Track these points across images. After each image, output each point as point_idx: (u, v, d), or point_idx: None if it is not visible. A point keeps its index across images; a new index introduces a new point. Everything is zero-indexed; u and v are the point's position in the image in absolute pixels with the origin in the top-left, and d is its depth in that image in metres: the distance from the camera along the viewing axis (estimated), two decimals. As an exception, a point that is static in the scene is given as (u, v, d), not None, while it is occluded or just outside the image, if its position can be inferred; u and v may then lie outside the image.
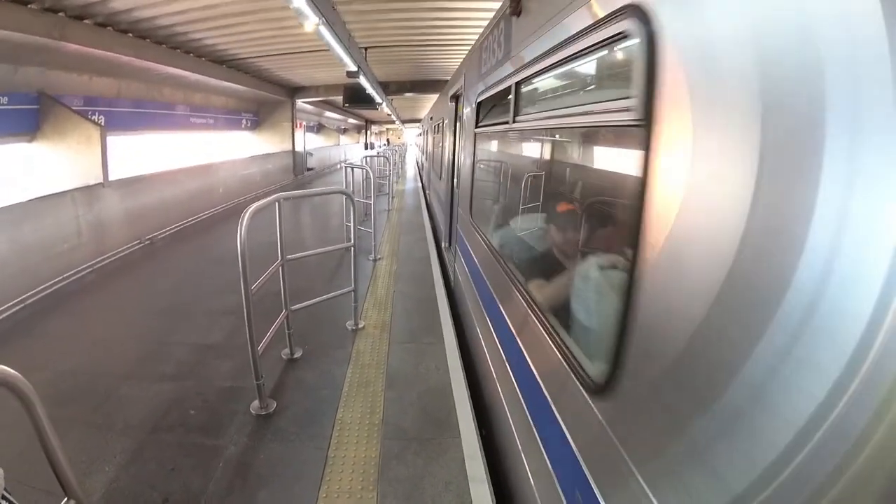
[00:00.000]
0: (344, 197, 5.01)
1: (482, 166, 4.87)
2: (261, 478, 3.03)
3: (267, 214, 3.93)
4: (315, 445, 3.29)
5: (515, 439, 2.66)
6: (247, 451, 3.26)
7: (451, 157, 7.68)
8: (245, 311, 3.38)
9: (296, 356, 4.52)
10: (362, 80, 10.92)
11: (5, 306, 5.80)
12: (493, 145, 4.67)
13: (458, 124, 6.74)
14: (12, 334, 5.33)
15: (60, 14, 7.30)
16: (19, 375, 1.40)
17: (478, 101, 4.57)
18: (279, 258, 4.13)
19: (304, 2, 5.22)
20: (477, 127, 4.67)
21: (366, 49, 11.42)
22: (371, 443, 3.31)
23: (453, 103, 7.08)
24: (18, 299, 5.97)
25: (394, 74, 16.10)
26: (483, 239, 4.29)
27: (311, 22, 5.92)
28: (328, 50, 8.02)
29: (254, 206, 3.42)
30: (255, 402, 3.70)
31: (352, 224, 4.86)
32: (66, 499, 1.61)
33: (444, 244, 8.20)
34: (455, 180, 7.07)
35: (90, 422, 3.63)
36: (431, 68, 14.92)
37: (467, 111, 5.32)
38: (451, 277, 6.68)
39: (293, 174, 20.11)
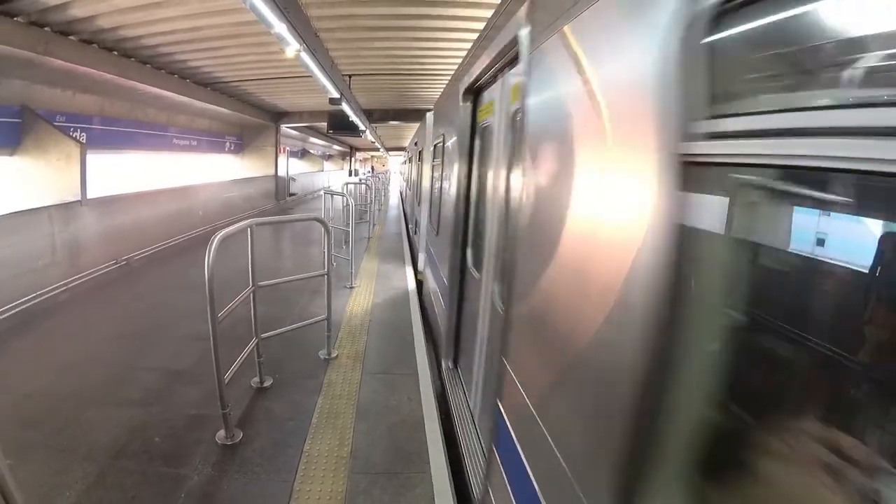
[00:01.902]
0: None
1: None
2: (223, 511, 2.97)
3: (244, 240, 3.93)
4: (280, 478, 3.23)
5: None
6: (210, 482, 3.19)
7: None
8: (212, 338, 3.34)
9: (265, 385, 4.46)
10: (345, 107, 10.98)
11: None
12: None
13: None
14: (-20, 353, 5.20)
15: (46, 29, 7.29)
16: None
17: None
18: (250, 284, 4.10)
19: (285, 28, 5.27)
20: None
21: (349, 76, 11.48)
22: (338, 477, 3.26)
23: (469, 103, 4.19)
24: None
25: (377, 102, 16.20)
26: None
27: (293, 48, 5.98)
28: (311, 76, 8.08)
29: (223, 232, 3.40)
30: (221, 432, 3.64)
31: (326, 251, 4.83)
32: None
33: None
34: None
35: (53, 446, 3.55)
36: (415, 97, 15.04)
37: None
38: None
39: (275, 199, 20.02)
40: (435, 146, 6.86)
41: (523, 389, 1.97)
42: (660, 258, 1.12)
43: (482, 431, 3.20)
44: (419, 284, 8.18)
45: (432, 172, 7.36)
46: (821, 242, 0.93)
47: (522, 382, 2.00)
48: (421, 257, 8.71)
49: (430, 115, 8.49)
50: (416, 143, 13.74)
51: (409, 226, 14.90)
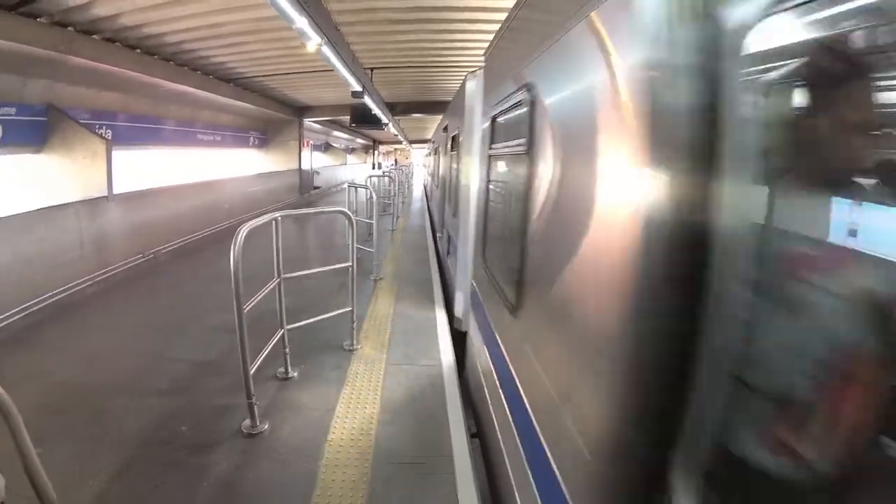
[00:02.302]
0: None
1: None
2: (248, 499, 2.99)
3: (269, 233, 3.95)
4: (305, 467, 3.25)
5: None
6: (235, 470, 3.22)
7: None
8: (238, 329, 3.37)
9: (291, 375, 4.48)
10: (367, 101, 10.98)
11: (5, 315, 5.75)
12: None
13: None
14: (11, 343, 5.32)
15: (69, 28, 7.38)
16: None
17: None
18: (276, 276, 4.13)
19: (306, 22, 5.29)
20: None
21: (371, 70, 11.49)
22: (362, 466, 3.26)
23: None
24: (19, 308, 5.93)
25: (400, 95, 16.19)
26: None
27: (314, 42, 6.00)
28: (333, 70, 8.09)
29: (248, 224, 3.43)
30: (247, 421, 3.67)
31: (351, 244, 4.84)
32: None
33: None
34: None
35: (82, 434, 3.61)
36: (438, 90, 14.99)
37: None
38: None
39: (299, 192, 20.11)
40: (493, 120, 3.73)
41: None
42: None
43: None
44: (456, 337, 5.76)
45: (487, 173, 4.04)
46: None
47: None
48: (459, 297, 6.10)
49: (470, 83, 5.66)
50: (445, 129, 10.07)
51: (438, 234, 11.27)
